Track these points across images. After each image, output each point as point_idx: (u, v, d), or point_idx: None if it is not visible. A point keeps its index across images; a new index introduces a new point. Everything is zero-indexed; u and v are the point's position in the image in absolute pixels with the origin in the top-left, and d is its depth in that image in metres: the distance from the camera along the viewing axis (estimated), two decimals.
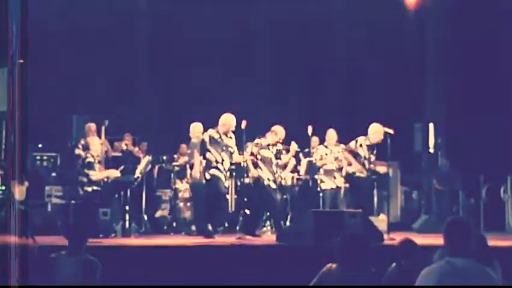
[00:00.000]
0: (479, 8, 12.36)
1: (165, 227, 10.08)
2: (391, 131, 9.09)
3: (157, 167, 10.66)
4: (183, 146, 10.82)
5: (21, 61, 7.84)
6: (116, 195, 9.05)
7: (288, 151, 9.57)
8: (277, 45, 13.14)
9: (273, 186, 9.26)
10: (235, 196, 9.20)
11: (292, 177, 9.98)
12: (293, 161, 10.08)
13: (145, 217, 9.64)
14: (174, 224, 10.03)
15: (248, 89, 13.04)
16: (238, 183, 9.80)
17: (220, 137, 8.84)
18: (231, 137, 8.92)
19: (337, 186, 9.90)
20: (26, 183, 10.33)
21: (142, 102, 12.82)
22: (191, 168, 9.77)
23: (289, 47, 13.10)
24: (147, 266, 6.91)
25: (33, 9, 9.19)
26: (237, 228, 9.65)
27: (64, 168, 10.54)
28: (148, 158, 9.63)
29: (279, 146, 9.44)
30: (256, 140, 9.43)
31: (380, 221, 9.49)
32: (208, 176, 8.84)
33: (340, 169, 9.96)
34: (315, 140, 10.40)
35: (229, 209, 9.34)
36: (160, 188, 10.75)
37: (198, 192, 9.45)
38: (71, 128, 11.37)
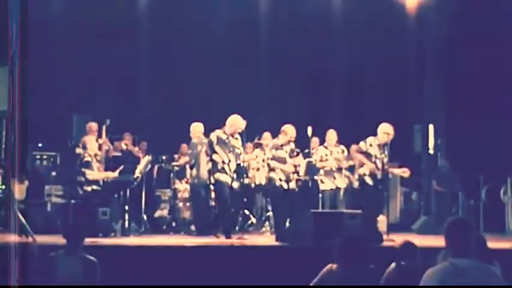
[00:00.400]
0: (479, 8, 12.36)
1: (164, 227, 10.09)
2: (391, 132, 9.08)
3: (156, 167, 10.66)
4: (184, 145, 10.82)
5: (22, 61, 7.85)
6: (116, 195, 9.07)
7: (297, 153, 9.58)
8: (277, 45, 13.13)
9: (286, 186, 9.29)
10: (239, 197, 9.20)
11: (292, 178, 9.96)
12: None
13: (145, 217, 9.64)
14: (173, 224, 10.03)
15: (248, 89, 13.03)
16: (243, 184, 9.77)
17: (228, 137, 8.84)
18: (237, 138, 8.94)
19: (337, 187, 9.90)
20: (26, 183, 10.37)
21: (142, 101, 12.81)
22: (191, 168, 9.78)
23: (289, 48, 13.09)
24: (146, 265, 6.92)
25: (33, 8, 9.22)
26: (237, 228, 9.66)
27: (64, 168, 10.54)
28: (147, 157, 9.63)
29: (292, 146, 9.46)
30: (274, 141, 9.46)
31: (380, 222, 9.50)
32: (214, 177, 8.84)
33: (340, 169, 9.96)
34: (315, 140, 10.40)
35: (231, 208, 9.34)
36: (159, 187, 10.75)
37: (200, 192, 9.45)
38: (72, 127, 11.38)
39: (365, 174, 9.05)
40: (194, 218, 9.70)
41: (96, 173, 8.98)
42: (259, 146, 10.38)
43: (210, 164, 8.90)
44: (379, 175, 9.04)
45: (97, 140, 9.64)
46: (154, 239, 8.77)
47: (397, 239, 8.09)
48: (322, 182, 9.87)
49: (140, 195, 9.50)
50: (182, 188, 10.16)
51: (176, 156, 10.65)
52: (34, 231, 7.85)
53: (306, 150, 10.33)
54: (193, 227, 9.63)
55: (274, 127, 10.06)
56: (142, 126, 12.05)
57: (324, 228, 7.55)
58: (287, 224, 9.28)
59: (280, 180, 9.30)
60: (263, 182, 9.83)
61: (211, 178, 8.93)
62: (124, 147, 10.64)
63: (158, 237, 9.10)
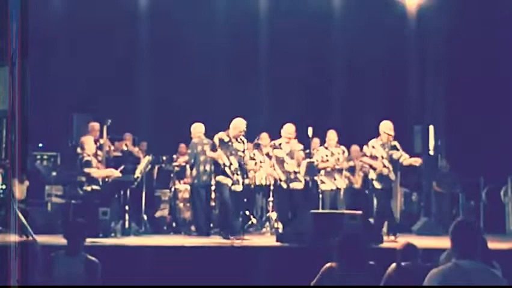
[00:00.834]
0: (480, 9, 12.36)
1: (165, 227, 10.09)
2: (391, 133, 9.08)
3: (157, 167, 10.66)
4: (182, 145, 10.84)
5: (22, 60, 7.85)
6: (116, 195, 9.06)
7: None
8: (277, 45, 13.12)
9: (285, 186, 9.30)
10: (240, 197, 9.20)
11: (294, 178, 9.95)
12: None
13: (145, 217, 9.64)
14: (174, 224, 10.03)
15: (248, 89, 13.03)
16: (244, 185, 9.78)
17: (230, 140, 8.86)
18: (241, 142, 8.95)
19: (337, 188, 9.90)
20: (27, 182, 10.38)
21: (142, 102, 12.80)
22: (191, 168, 9.78)
23: (290, 48, 13.09)
24: (146, 266, 6.91)
25: (34, 7, 9.20)
26: (236, 229, 9.64)
27: (64, 168, 10.54)
28: (148, 158, 9.64)
29: (295, 145, 9.48)
30: (274, 142, 9.48)
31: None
32: (205, 178, 8.90)
33: (340, 170, 9.96)
34: (315, 141, 10.40)
35: (232, 210, 9.33)
36: (159, 188, 10.75)
37: (196, 194, 9.46)
38: (72, 127, 11.38)
39: (373, 179, 9.09)
40: (194, 218, 9.70)
41: (96, 172, 8.97)
42: (258, 146, 10.39)
43: (212, 166, 8.94)
44: (390, 175, 9.05)
45: (97, 140, 9.64)
46: (154, 239, 8.77)
47: (398, 240, 8.12)
48: (322, 182, 9.87)
49: (141, 196, 9.51)
50: (183, 188, 10.16)
51: (175, 156, 10.65)
52: (34, 231, 7.85)
53: (307, 151, 10.34)
54: (193, 228, 9.63)
55: (274, 128, 10.07)
56: (142, 127, 12.04)
57: (324, 229, 7.54)
58: (287, 225, 9.28)
59: (281, 180, 9.33)
60: (263, 183, 9.83)
61: (213, 180, 8.97)
62: (125, 147, 10.64)
63: (159, 237, 9.10)
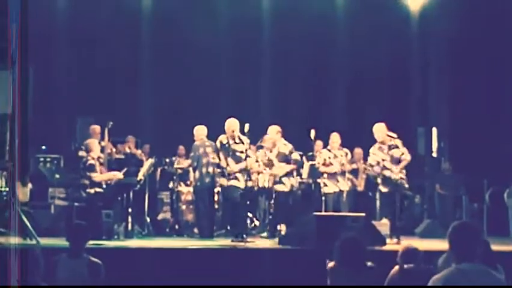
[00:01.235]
0: (483, 11, 12.35)
1: (167, 230, 10.09)
2: (395, 135, 9.08)
3: (159, 170, 10.67)
4: (181, 147, 10.90)
5: (24, 63, 7.86)
6: (119, 198, 9.07)
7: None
8: (280, 47, 13.13)
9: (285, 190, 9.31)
10: (244, 200, 9.19)
11: (295, 181, 9.94)
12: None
13: (148, 219, 9.64)
14: (176, 227, 10.03)
15: (251, 92, 13.05)
16: (247, 187, 9.78)
17: (228, 142, 8.90)
18: (239, 142, 8.96)
19: (340, 190, 9.88)
20: (30, 185, 10.39)
21: (145, 104, 12.82)
22: (194, 170, 9.79)
23: (292, 50, 13.10)
24: (149, 268, 6.91)
25: (37, 10, 9.21)
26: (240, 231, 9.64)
27: (67, 170, 10.56)
28: (150, 160, 9.64)
29: (282, 147, 9.45)
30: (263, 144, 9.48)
31: (383, 225, 9.47)
32: (208, 181, 8.99)
33: (343, 173, 9.95)
34: (319, 143, 10.39)
35: (233, 212, 9.34)
36: (162, 190, 10.76)
37: (199, 196, 9.47)
38: (75, 130, 11.40)
39: (378, 184, 9.10)
40: (197, 220, 9.70)
41: (99, 176, 8.98)
42: (261, 149, 10.38)
43: (215, 169, 9.00)
44: (393, 176, 9.02)
45: (99, 143, 9.65)
46: (156, 241, 8.77)
47: (400, 243, 8.11)
48: (325, 185, 9.85)
49: (144, 198, 9.51)
50: (186, 190, 10.16)
51: (173, 158, 10.65)
52: (38, 233, 7.86)
53: (310, 153, 10.34)
54: (196, 230, 9.63)
55: None
56: (145, 129, 12.06)
57: (327, 231, 7.53)
58: (289, 227, 9.28)
59: (266, 181, 9.35)
60: (266, 185, 9.81)
61: (215, 183, 9.01)
62: (127, 150, 10.65)
63: (161, 239, 9.10)
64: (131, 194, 9.09)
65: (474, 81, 12.48)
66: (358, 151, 10.67)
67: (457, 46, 12.82)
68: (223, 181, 8.96)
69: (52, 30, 12.32)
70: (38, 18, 10.92)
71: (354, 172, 10.59)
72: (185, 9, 12.85)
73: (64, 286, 4.26)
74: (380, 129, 9.12)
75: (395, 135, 9.10)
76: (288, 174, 9.48)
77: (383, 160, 9.01)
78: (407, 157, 9.09)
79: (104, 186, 9.01)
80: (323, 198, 9.76)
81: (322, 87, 13.32)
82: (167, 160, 10.63)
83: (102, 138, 9.75)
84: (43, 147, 11.58)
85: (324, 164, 9.92)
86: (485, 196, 11.76)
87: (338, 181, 9.90)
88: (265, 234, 9.62)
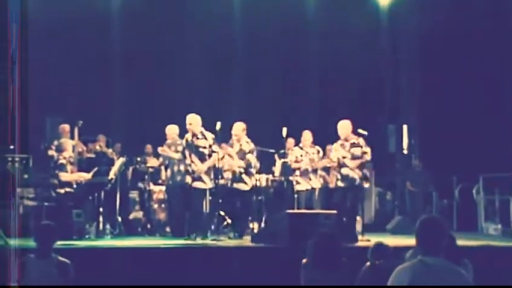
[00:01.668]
0: (455, 7, 12.48)
1: (139, 229, 10.03)
2: (365, 133, 9.14)
3: (131, 169, 10.59)
4: (148, 146, 10.88)
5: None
6: (90, 197, 8.98)
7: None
8: (251, 45, 13.15)
9: (244, 188, 9.30)
10: (210, 198, 9.16)
11: (267, 179, 9.97)
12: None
13: (119, 219, 9.57)
14: (148, 226, 9.97)
15: (223, 90, 13.03)
16: (212, 185, 9.76)
17: (191, 139, 8.86)
18: (203, 138, 8.90)
19: (312, 188, 9.92)
20: None
21: (116, 103, 12.73)
22: (166, 169, 9.75)
23: (264, 48, 13.12)
24: (121, 267, 6.86)
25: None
26: (212, 229, 9.63)
27: (36, 170, 10.41)
28: (122, 159, 9.57)
29: (244, 145, 9.44)
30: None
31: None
32: (180, 179, 8.85)
33: (315, 171, 9.99)
34: (290, 141, 10.42)
35: (203, 210, 9.30)
36: (134, 189, 10.69)
37: (172, 195, 9.44)
38: (44, 129, 11.26)
39: (337, 179, 9.14)
40: (169, 219, 9.65)
41: (70, 175, 8.89)
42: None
43: (182, 167, 8.94)
44: (351, 173, 9.07)
45: None
46: (128, 241, 8.71)
47: (372, 239, 8.17)
48: (297, 182, 9.88)
49: (115, 197, 9.43)
50: (157, 189, 10.11)
51: (139, 158, 10.57)
52: (6, 234, 7.75)
53: (282, 151, 10.35)
54: (168, 229, 9.58)
55: (250, 128, 10.08)
56: (116, 128, 11.97)
57: (299, 229, 7.55)
58: (262, 225, 9.29)
59: (228, 178, 9.35)
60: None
61: (179, 180, 8.96)
62: (98, 148, 10.56)
63: (133, 239, 9.04)
64: (102, 193, 9.00)
65: (444, 79, 12.63)
66: (330, 148, 10.72)
67: (427, 43, 12.96)
68: (188, 179, 8.86)
69: (21, 26, 12.14)
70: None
71: (326, 169, 10.63)
72: (155, 8, 12.78)
73: (64, 286, 4.21)
74: (344, 126, 9.16)
75: (365, 132, 9.15)
76: (248, 172, 9.42)
77: (343, 157, 9.06)
78: (367, 157, 9.11)
79: (74, 185, 8.92)
80: (295, 195, 9.78)
81: (294, 85, 13.36)
82: (139, 159, 10.56)
83: (72, 137, 9.65)
84: (11, 146, 11.40)
85: (296, 162, 9.95)
86: (455, 192, 11.93)
87: (310, 179, 9.93)
88: (236, 233, 9.61)
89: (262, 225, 9.34)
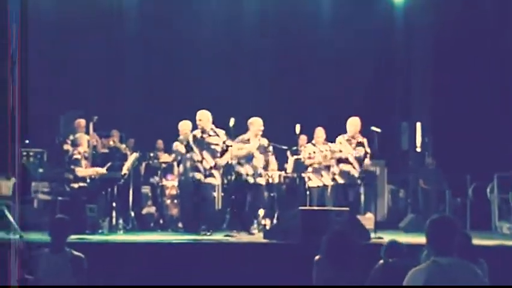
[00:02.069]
0: (466, 7, 12.43)
1: (152, 224, 10.07)
2: (378, 130, 9.11)
3: (144, 164, 10.63)
4: (159, 141, 10.91)
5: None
6: (103, 192, 9.04)
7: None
8: (265, 42, 13.14)
9: (252, 181, 9.30)
10: (222, 194, 9.18)
11: (280, 175, 9.97)
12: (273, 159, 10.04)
13: (132, 214, 9.62)
14: (161, 221, 10.01)
15: (236, 86, 13.03)
16: (225, 181, 9.78)
17: (202, 135, 8.86)
18: (216, 134, 8.91)
19: (324, 185, 9.90)
20: (13, 179, 10.31)
21: (130, 98, 12.78)
22: (178, 165, 9.77)
23: (277, 45, 13.10)
24: (133, 262, 6.90)
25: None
26: (224, 226, 9.65)
27: (51, 165, 10.49)
28: (135, 154, 9.61)
29: (263, 141, 9.45)
30: (242, 136, 9.43)
31: (367, 219, 9.52)
32: (190, 175, 8.89)
33: (327, 167, 9.98)
34: (303, 138, 10.42)
35: (215, 207, 9.33)
36: (147, 184, 10.73)
37: (183, 190, 9.46)
38: (59, 124, 11.33)
39: (335, 174, 9.13)
40: (181, 215, 9.68)
41: (84, 170, 8.95)
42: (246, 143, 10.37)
43: (188, 163, 8.93)
44: (353, 171, 9.07)
45: None
46: (141, 236, 8.75)
47: (385, 237, 8.15)
48: (310, 179, 9.88)
49: (128, 192, 9.48)
50: (170, 185, 10.14)
51: (152, 154, 10.60)
52: (21, 228, 7.82)
53: (294, 148, 10.35)
54: (180, 224, 9.62)
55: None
56: (129, 123, 12.02)
57: (312, 225, 7.55)
58: (275, 221, 9.30)
59: (247, 175, 9.32)
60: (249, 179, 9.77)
61: (188, 176, 8.96)
62: (112, 144, 10.61)
63: (146, 234, 9.08)
64: (115, 188, 9.06)
65: (458, 77, 12.55)
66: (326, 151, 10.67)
67: (442, 41, 12.88)
68: (194, 175, 8.85)
69: (38, 27, 12.23)
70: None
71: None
72: (170, 4, 12.81)
73: (64, 286, 4.23)
74: (353, 123, 9.20)
75: (378, 129, 9.13)
76: (265, 167, 9.46)
77: (348, 153, 9.09)
78: (368, 158, 9.22)
79: (88, 180, 8.97)
80: (308, 192, 9.78)
81: (307, 82, 13.33)
82: (152, 154, 10.60)
83: (87, 132, 9.70)
84: (26, 141, 11.49)
85: (309, 159, 9.94)
86: (469, 191, 11.85)
87: (322, 175, 9.92)
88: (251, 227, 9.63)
89: (275, 221, 9.34)
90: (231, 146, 8.89)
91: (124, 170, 9.18)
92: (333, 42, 13.23)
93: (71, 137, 9.75)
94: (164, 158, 10.52)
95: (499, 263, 5.99)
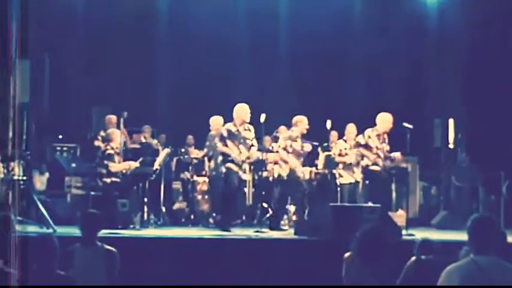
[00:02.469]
0: (498, 3, 12.25)
1: (183, 219, 10.12)
2: (411, 126, 9.03)
3: (175, 159, 10.69)
4: (190, 137, 10.95)
5: (42, 55, 7.92)
6: (135, 187, 9.11)
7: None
8: (296, 37, 13.09)
9: (304, 178, 9.29)
10: (253, 190, 9.18)
11: (311, 172, 9.94)
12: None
13: (163, 209, 9.68)
14: (192, 217, 10.06)
15: (267, 82, 13.02)
16: (256, 177, 9.78)
17: (238, 130, 8.81)
18: (248, 129, 8.90)
19: (356, 181, 9.85)
20: (47, 174, 10.46)
21: (161, 94, 12.86)
22: (209, 160, 9.80)
23: (308, 41, 13.04)
24: (164, 257, 6.94)
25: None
26: (255, 221, 9.67)
27: (84, 160, 10.62)
28: (166, 150, 9.67)
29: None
30: (289, 133, 9.42)
31: (399, 216, 9.45)
32: (224, 170, 8.84)
33: (358, 164, 9.92)
34: (334, 134, 10.38)
35: (247, 202, 9.32)
36: (178, 180, 10.79)
37: (216, 186, 9.48)
38: (91, 120, 11.46)
39: (367, 166, 9.05)
40: (212, 210, 9.72)
41: (117, 165, 9.03)
42: (277, 139, 10.37)
43: (221, 157, 8.92)
44: (381, 166, 9.01)
45: None
46: (172, 231, 8.80)
47: (417, 234, 8.08)
48: (341, 175, 9.83)
49: (159, 188, 9.54)
50: (201, 180, 10.18)
51: (183, 149, 10.65)
52: (54, 222, 7.92)
53: (325, 144, 10.31)
54: (211, 220, 9.65)
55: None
56: (161, 119, 12.10)
57: (342, 222, 7.52)
58: (305, 218, 9.28)
59: (295, 171, 9.32)
60: (283, 175, 9.80)
61: (223, 171, 8.94)
62: (143, 139, 10.69)
63: (177, 229, 9.13)
64: (147, 183, 9.12)
65: (492, 73, 12.37)
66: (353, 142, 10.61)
67: (475, 37, 12.71)
68: (230, 166, 8.79)
69: (69, 20, 12.37)
70: (51, 10, 11.03)
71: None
72: (198, 2, 12.84)
73: (65, 286, 4.26)
74: (386, 120, 9.10)
75: (410, 126, 9.05)
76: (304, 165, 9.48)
77: (377, 148, 9.01)
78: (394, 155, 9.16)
79: (120, 175, 9.05)
80: (339, 189, 9.74)
81: (338, 78, 13.27)
82: (183, 150, 10.65)
83: (118, 128, 9.79)
84: (60, 136, 11.65)
85: (340, 155, 9.89)
86: (502, 188, 11.67)
87: (353, 172, 9.86)
88: (282, 223, 9.63)
89: (305, 218, 9.32)
90: (254, 145, 8.87)
91: (156, 166, 9.24)
92: (366, 40, 13.14)
93: (102, 133, 9.85)
94: (195, 153, 10.56)
95: None
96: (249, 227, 9.15)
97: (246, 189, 9.23)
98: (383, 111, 9.30)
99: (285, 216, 9.74)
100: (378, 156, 9.10)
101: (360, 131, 10.01)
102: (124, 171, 9.11)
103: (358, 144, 9.22)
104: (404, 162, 9.99)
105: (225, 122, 9.58)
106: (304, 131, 9.32)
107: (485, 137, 12.15)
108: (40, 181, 10.44)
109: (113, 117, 10.18)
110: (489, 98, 12.31)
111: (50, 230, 7.70)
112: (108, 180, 8.91)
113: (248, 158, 8.78)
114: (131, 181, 9.11)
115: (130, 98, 12.01)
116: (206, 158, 10.13)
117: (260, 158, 9.13)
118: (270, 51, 13.16)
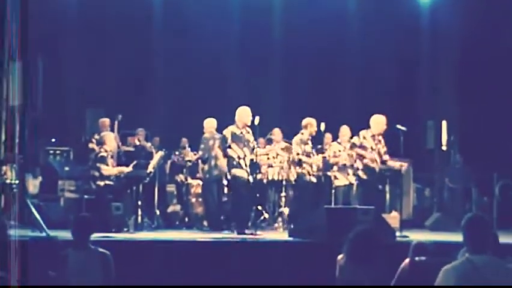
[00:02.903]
0: (492, 4, 12.30)
1: (177, 222, 10.11)
2: (404, 128, 9.04)
3: (169, 162, 10.68)
4: (184, 139, 10.92)
5: (35, 57, 7.88)
6: (129, 190, 9.09)
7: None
8: (289, 40, 13.12)
9: (314, 180, 9.37)
10: (252, 192, 9.18)
11: (306, 174, 9.92)
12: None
13: (157, 212, 9.66)
14: (186, 219, 10.05)
15: (260, 85, 13.03)
16: (256, 180, 9.77)
17: (241, 132, 8.81)
18: (248, 132, 8.92)
19: (350, 183, 9.86)
20: (40, 177, 10.42)
21: (155, 97, 12.85)
22: (203, 163, 9.79)
23: (301, 44, 13.07)
24: (159, 261, 6.93)
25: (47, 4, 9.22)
26: (249, 224, 9.65)
27: (77, 163, 10.59)
28: (160, 153, 9.65)
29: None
30: (299, 136, 9.44)
31: (393, 218, 9.46)
32: (231, 172, 8.79)
33: (353, 166, 9.93)
34: (328, 136, 10.39)
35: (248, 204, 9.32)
36: (172, 183, 10.78)
37: (212, 187, 9.46)
38: (85, 123, 11.43)
39: (362, 168, 9.07)
40: (206, 213, 9.70)
41: (111, 168, 9.01)
42: (270, 141, 10.39)
43: (225, 160, 8.88)
44: (377, 167, 9.03)
45: None
46: (166, 234, 8.78)
47: (410, 236, 8.09)
48: (335, 177, 9.84)
49: (153, 191, 9.53)
50: (195, 183, 10.17)
51: (177, 152, 10.64)
52: (47, 226, 7.88)
53: (319, 146, 10.32)
54: (205, 223, 9.64)
55: (286, 123, 10.06)
56: (155, 122, 12.08)
57: (337, 224, 7.52)
58: (300, 220, 9.27)
59: (309, 174, 9.35)
60: (276, 178, 9.83)
61: (228, 174, 8.92)
62: (137, 142, 10.67)
63: (171, 232, 9.12)
64: (140, 186, 9.10)
65: (484, 75, 12.42)
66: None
67: (467, 39, 12.76)
68: (236, 172, 8.76)
69: (62, 22, 12.35)
70: (49, 16, 11.01)
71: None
72: (193, 3, 12.83)
73: (65, 286, 4.23)
74: (379, 122, 9.12)
75: (404, 128, 9.06)
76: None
77: (372, 149, 9.03)
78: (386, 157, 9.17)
79: (114, 178, 9.03)
80: (333, 191, 9.75)
81: (332, 80, 13.29)
82: (177, 153, 10.64)
83: (112, 131, 9.77)
84: (53, 139, 11.61)
85: (334, 157, 9.91)
86: (495, 189, 11.72)
87: (348, 174, 9.87)
88: (275, 226, 9.63)
89: (300, 220, 9.31)
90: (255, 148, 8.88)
91: (150, 169, 9.23)
92: (358, 41, 13.17)
93: (96, 136, 9.83)
94: (189, 156, 10.56)
95: None
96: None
97: (249, 192, 9.22)
98: (377, 113, 9.30)
99: (280, 219, 9.76)
100: (373, 158, 9.12)
101: (354, 133, 10.04)
102: (118, 175, 9.09)
103: (354, 146, 9.24)
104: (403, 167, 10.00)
105: (218, 124, 9.59)
106: (314, 133, 9.40)
107: (478, 138, 12.19)
108: (33, 185, 10.40)
109: (106, 120, 10.17)
110: (482, 100, 12.36)
111: (43, 234, 7.66)
112: (101, 183, 8.89)
113: (252, 160, 8.80)
114: (125, 184, 9.10)
115: (123, 100, 11.99)
116: (200, 161, 10.12)
117: (254, 160, 9.13)
118: (262, 54, 13.17)
